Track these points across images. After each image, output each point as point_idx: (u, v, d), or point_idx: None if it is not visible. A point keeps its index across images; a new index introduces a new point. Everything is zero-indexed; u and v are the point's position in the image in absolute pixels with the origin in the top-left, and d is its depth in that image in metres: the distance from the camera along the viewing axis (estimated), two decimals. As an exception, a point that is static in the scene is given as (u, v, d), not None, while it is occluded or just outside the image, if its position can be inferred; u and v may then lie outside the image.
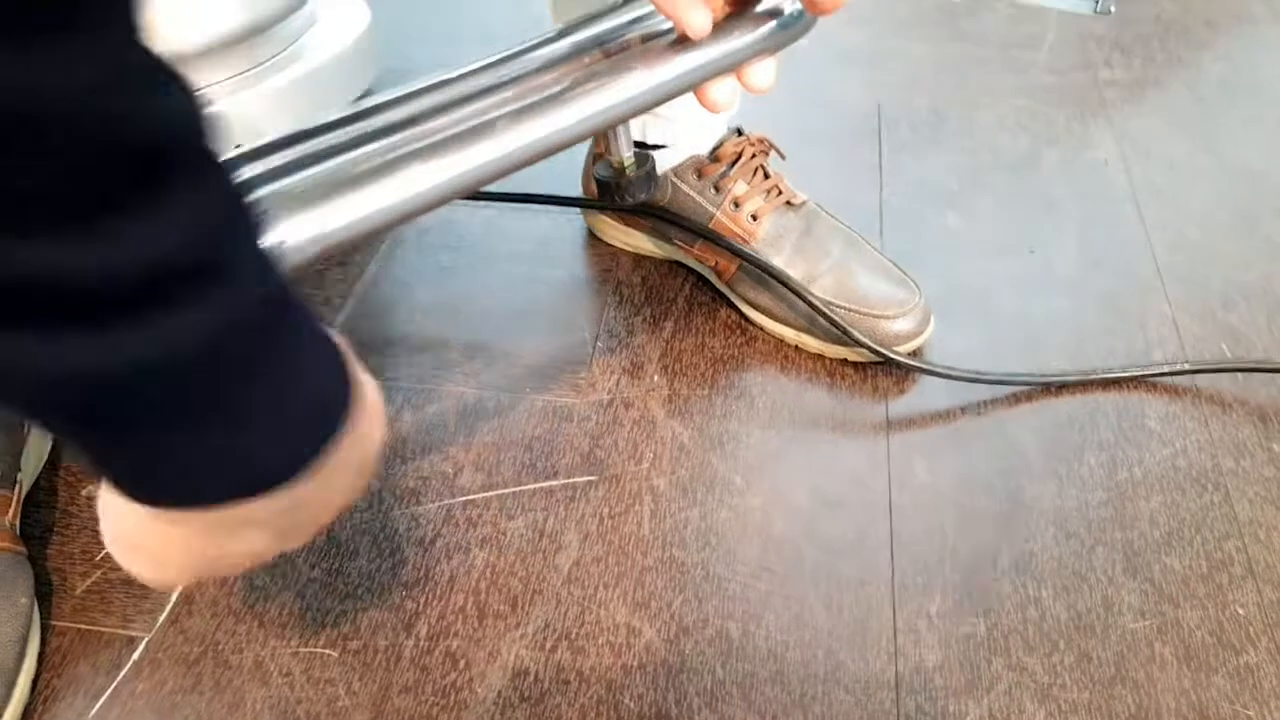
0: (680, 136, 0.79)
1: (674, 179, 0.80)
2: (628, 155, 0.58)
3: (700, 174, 0.79)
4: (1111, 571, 0.64)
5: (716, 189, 0.78)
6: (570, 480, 0.69)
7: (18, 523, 0.61)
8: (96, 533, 0.66)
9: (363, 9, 1.03)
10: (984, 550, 0.65)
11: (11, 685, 0.55)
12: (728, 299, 0.82)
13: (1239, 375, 0.76)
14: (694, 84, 0.50)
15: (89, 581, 0.63)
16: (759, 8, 0.50)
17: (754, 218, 0.78)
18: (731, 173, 0.78)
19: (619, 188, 0.60)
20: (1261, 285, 0.84)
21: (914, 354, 0.76)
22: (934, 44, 1.15)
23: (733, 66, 0.50)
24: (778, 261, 0.77)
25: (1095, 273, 0.85)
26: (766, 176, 0.79)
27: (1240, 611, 0.62)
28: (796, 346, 0.78)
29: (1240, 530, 0.66)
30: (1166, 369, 0.75)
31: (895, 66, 1.11)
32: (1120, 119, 1.03)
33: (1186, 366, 0.75)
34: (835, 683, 0.58)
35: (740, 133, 0.81)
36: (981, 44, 1.15)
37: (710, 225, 0.78)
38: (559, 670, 0.59)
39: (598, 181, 0.61)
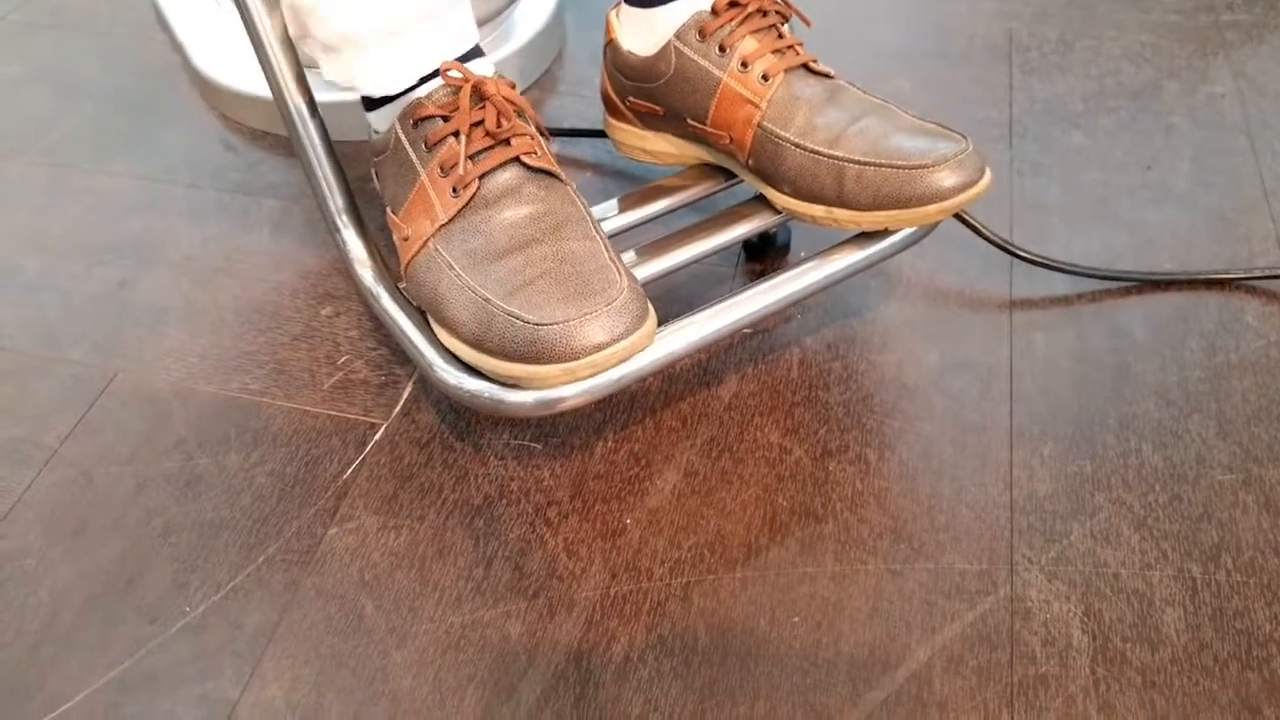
0: None
1: (677, 44, 0.72)
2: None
3: (702, 33, 0.71)
4: (1205, 434, 0.73)
5: (721, 49, 0.70)
6: (729, 331, 0.80)
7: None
8: (337, 342, 0.78)
9: None
10: (1093, 409, 0.74)
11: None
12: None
13: (1335, 284, 0.83)
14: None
15: (332, 380, 0.76)
16: None
17: (765, 78, 0.70)
18: (737, 28, 0.70)
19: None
20: (1364, 210, 0.91)
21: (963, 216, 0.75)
22: (1064, -18, 1.22)
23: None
24: (790, 129, 0.69)
25: (1206, 191, 0.93)
26: (781, 36, 0.71)
27: (1319, 475, 0.71)
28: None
29: (1325, 411, 0.75)
30: (1267, 272, 0.83)
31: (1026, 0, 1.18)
32: (1238, 58, 1.09)
33: (1287, 271, 0.83)
34: (958, 500, 0.69)
35: None
36: (1110, -16, 1.21)
37: (718, 94, 0.71)
38: (723, 473, 0.70)
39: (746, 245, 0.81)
